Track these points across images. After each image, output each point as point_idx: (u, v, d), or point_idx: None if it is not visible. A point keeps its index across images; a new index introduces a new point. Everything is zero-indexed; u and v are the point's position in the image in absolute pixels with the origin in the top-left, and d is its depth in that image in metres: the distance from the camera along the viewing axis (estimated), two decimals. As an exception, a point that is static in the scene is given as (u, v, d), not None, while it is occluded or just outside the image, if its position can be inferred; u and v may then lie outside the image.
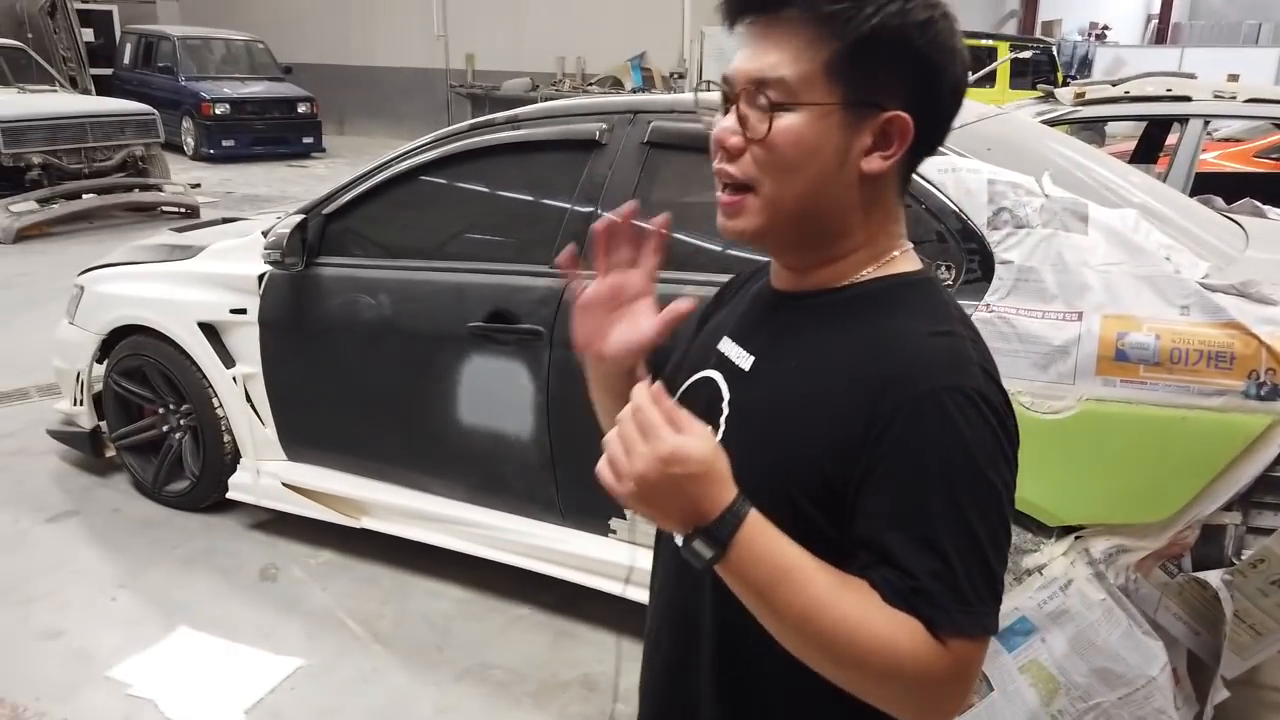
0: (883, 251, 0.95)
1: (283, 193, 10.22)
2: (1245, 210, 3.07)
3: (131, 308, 3.40)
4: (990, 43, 11.98)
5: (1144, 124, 5.41)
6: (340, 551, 3.22)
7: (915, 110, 0.89)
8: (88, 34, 13.42)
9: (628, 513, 2.44)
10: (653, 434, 0.78)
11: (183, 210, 8.81)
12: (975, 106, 2.90)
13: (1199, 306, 1.93)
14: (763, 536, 0.80)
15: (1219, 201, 3.21)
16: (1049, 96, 5.09)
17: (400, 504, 2.99)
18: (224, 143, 12.34)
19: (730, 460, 0.82)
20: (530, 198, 2.90)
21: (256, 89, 12.94)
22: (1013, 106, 5.01)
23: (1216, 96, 4.50)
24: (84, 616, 2.88)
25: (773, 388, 0.94)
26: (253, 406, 3.20)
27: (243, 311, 3.12)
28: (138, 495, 3.58)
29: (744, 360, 0.98)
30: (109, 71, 13.70)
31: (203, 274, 3.26)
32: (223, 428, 3.28)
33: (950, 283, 2.14)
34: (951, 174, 2.15)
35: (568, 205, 2.64)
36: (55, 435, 3.81)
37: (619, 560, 2.58)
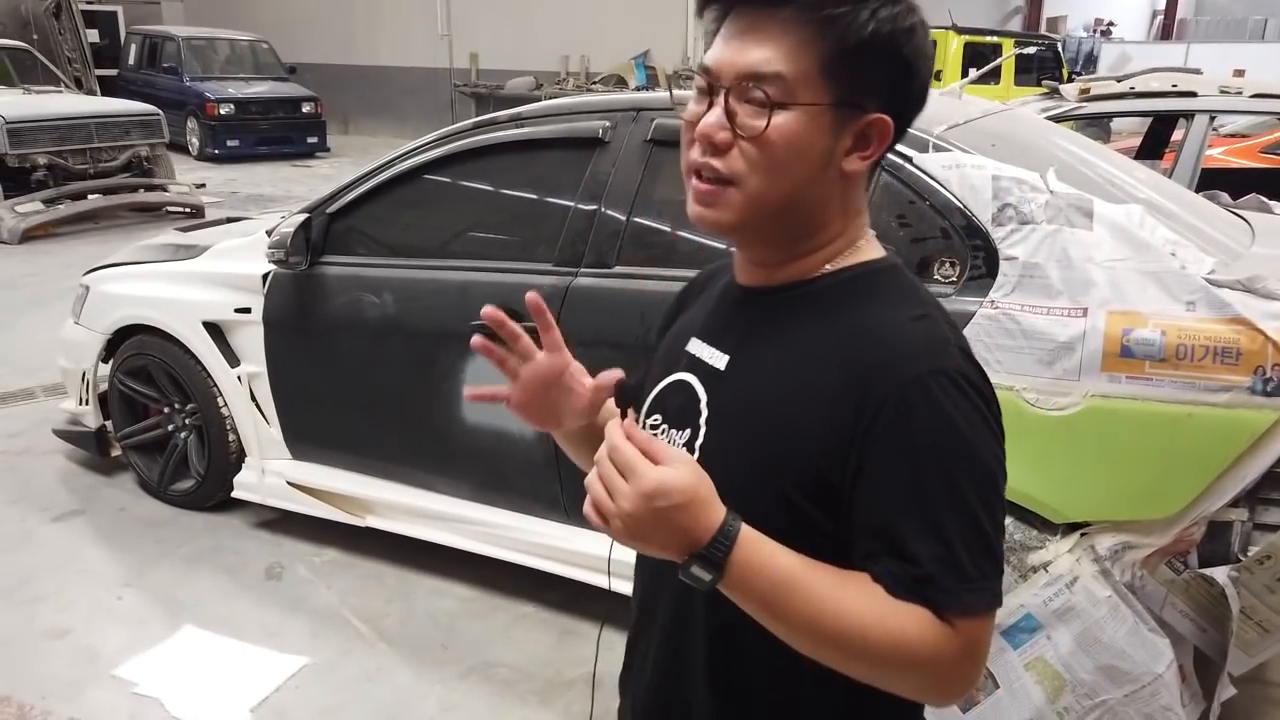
0: (850, 242, 0.96)
1: (287, 192, 10.24)
2: (1251, 206, 3.06)
3: (136, 307, 3.41)
4: (995, 39, 11.95)
5: (1149, 120, 5.39)
6: (345, 550, 3.22)
7: (891, 112, 0.90)
8: (93, 35, 13.48)
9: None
10: (632, 472, 0.77)
11: (187, 210, 8.83)
12: (980, 103, 2.89)
13: (1205, 302, 1.92)
14: (758, 550, 0.80)
15: (1225, 197, 3.20)
16: (1054, 93, 5.08)
17: (405, 502, 2.99)
18: (229, 143, 12.37)
19: (716, 462, 0.82)
20: (534, 196, 2.90)
21: (261, 89, 12.97)
22: (1017, 103, 5.00)
23: (1222, 92, 4.48)
24: (90, 615, 2.88)
25: (752, 385, 0.93)
26: (257, 405, 3.21)
27: (247, 311, 3.12)
28: (143, 494, 3.59)
29: (718, 360, 0.97)
30: (114, 72, 13.76)
31: (207, 273, 3.27)
32: (228, 427, 3.29)
33: (955, 279, 2.13)
34: (956, 170, 2.15)
35: (571, 203, 2.64)
36: (61, 435, 3.82)
37: (623, 558, 2.57)
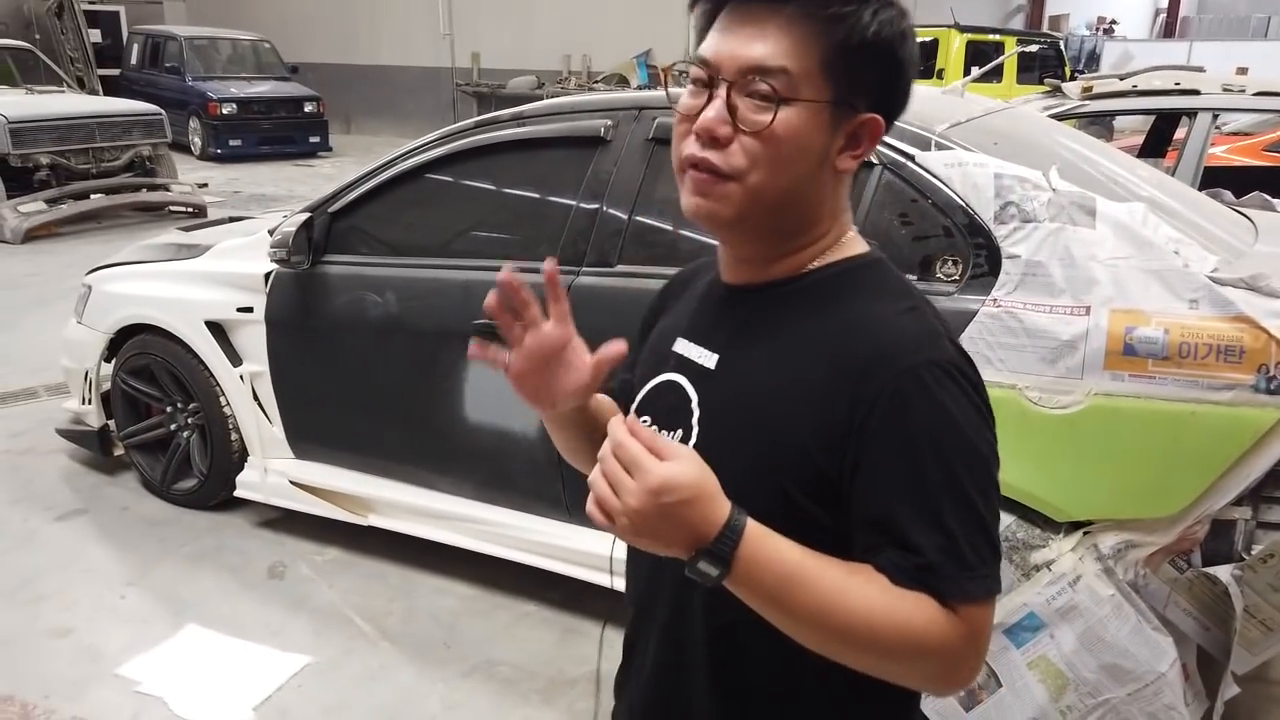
0: (836, 238, 0.96)
1: (289, 192, 10.25)
2: (1254, 204, 3.05)
3: (139, 307, 3.41)
4: (997, 37, 11.93)
5: (1152, 118, 5.38)
6: (347, 549, 3.23)
7: (879, 112, 0.91)
8: (95, 35, 13.52)
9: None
10: (638, 468, 0.77)
11: (190, 210, 8.84)
12: (982, 101, 2.89)
13: (1208, 300, 1.92)
14: (764, 544, 0.80)
15: (1228, 195, 3.19)
16: (1056, 91, 5.07)
17: (407, 501, 2.99)
18: (231, 142, 12.38)
19: (711, 461, 0.81)
20: (535, 195, 2.90)
21: (263, 88, 12.97)
22: (1020, 101, 4.99)
23: (1225, 90, 4.48)
24: (93, 614, 2.89)
25: (744, 383, 0.93)
26: (260, 405, 3.21)
27: (249, 310, 3.13)
28: (146, 493, 3.59)
29: (707, 359, 0.97)
30: (116, 72, 13.77)
31: (210, 273, 3.27)
32: (230, 426, 3.29)
33: (957, 278, 2.13)
34: (958, 168, 2.14)
35: (573, 202, 2.63)
36: (64, 434, 3.82)
37: (625, 558, 2.57)
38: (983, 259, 2.09)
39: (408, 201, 3.01)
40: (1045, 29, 18.28)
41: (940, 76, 10.53)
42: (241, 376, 3.18)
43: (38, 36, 12.52)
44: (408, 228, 3.06)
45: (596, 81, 13.41)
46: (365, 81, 15.75)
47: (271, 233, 3.07)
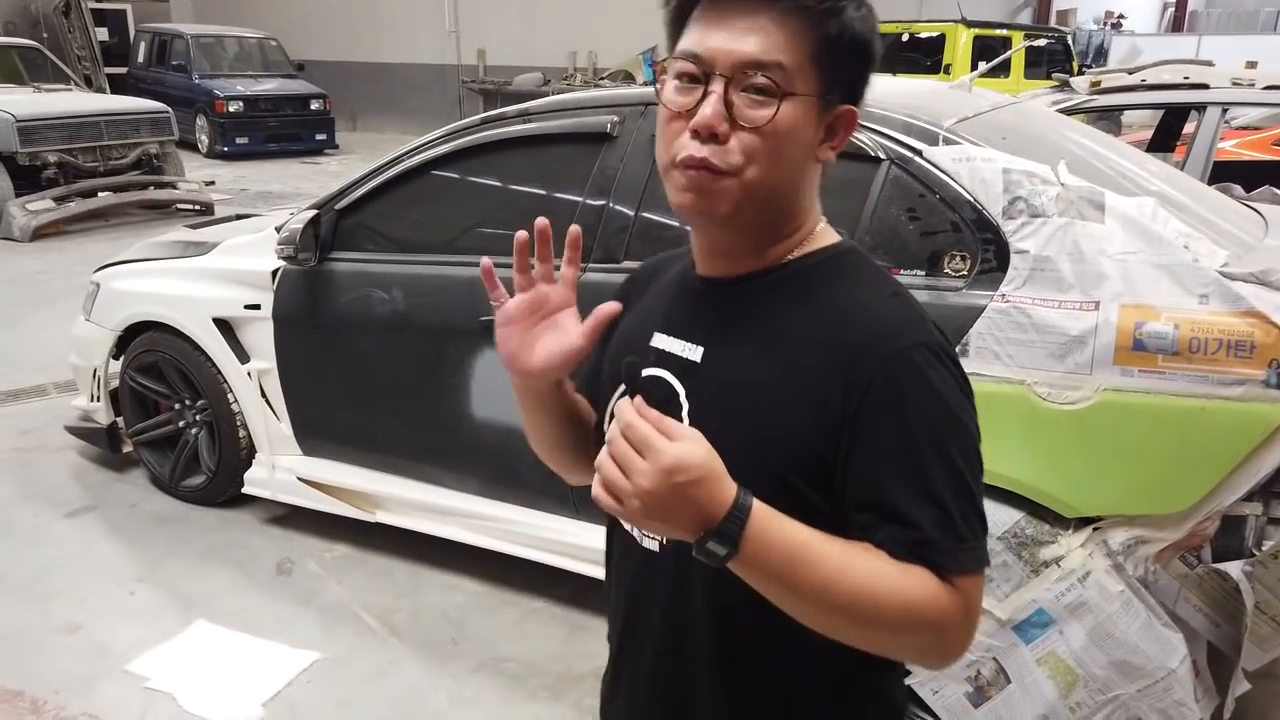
0: (810, 229, 0.98)
1: (296, 189, 10.26)
2: (1264, 198, 3.05)
3: (147, 304, 3.42)
4: (1004, 32, 11.88)
5: (1161, 113, 5.36)
6: (355, 545, 3.23)
7: (850, 104, 0.94)
8: (102, 33, 13.53)
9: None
10: (650, 448, 0.77)
11: (197, 207, 8.86)
12: (990, 96, 2.88)
13: (1218, 295, 1.91)
14: (770, 523, 0.81)
15: (1238, 189, 3.17)
16: (1064, 86, 5.05)
17: (414, 498, 3.00)
18: (238, 140, 12.39)
19: None
20: (542, 191, 2.90)
21: (269, 86, 12.98)
22: (1027, 96, 4.97)
23: (1235, 84, 4.46)
24: (102, 610, 2.90)
25: (734, 373, 0.94)
26: (267, 401, 3.22)
27: (257, 307, 3.13)
28: (155, 490, 3.61)
29: (691, 352, 0.98)
30: (123, 70, 13.78)
31: (217, 270, 3.28)
32: (238, 423, 3.30)
33: (965, 273, 2.12)
34: (966, 163, 2.13)
35: (579, 198, 2.63)
36: (73, 431, 3.83)
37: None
38: (991, 254, 2.09)
39: (414, 198, 3.01)
40: (1053, 24, 18.22)
41: (947, 71, 10.49)
42: (249, 373, 3.19)
43: (45, 35, 12.55)
44: (414, 224, 3.06)
45: (602, 78, 13.40)
46: (371, 79, 15.76)
47: (279, 230, 3.07)
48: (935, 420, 0.87)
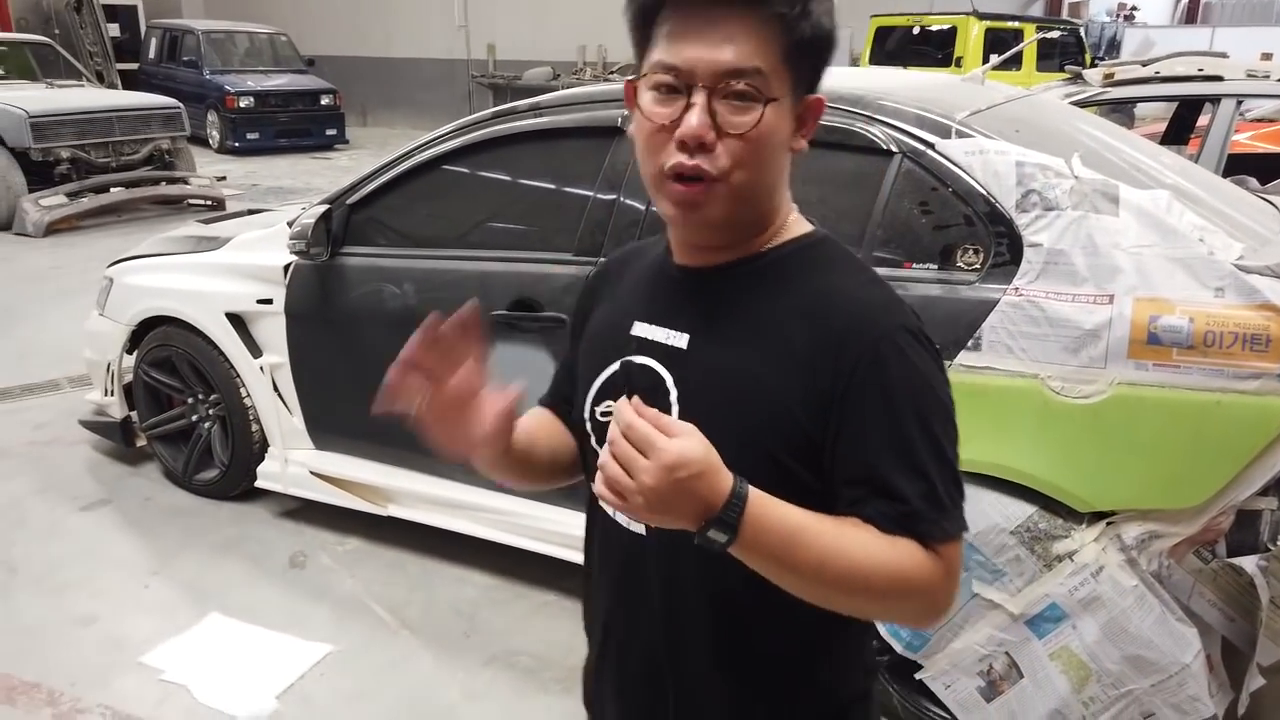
0: (784, 218, 1.02)
1: (307, 184, 10.29)
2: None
3: (160, 299, 3.43)
4: (1016, 25, 11.81)
5: (1175, 105, 5.32)
6: (367, 539, 3.25)
7: (814, 92, 0.97)
8: (113, 29, 13.59)
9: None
10: (651, 446, 0.81)
11: (209, 202, 8.89)
12: (1002, 88, 2.86)
13: (1233, 288, 1.89)
14: (766, 508, 0.85)
15: (1253, 182, 3.16)
16: (1077, 78, 5.02)
17: (426, 491, 3.01)
18: (248, 135, 12.43)
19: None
20: (552, 185, 2.90)
21: (280, 82, 13.01)
22: (1040, 89, 4.94)
23: (1250, 76, 4.42)
24: (117, 603, 2.92)
25: (722, 358, 0.97)
26: (280, 396, 3.23)
27: (269, 302, 3.14)
28: (168, 484, 3.63)
29: (677, 339, 1.00)
30: (134, 66, 13.84)
31: (229, 265, 3.29)
32: (251, 417, 3.31)
33: (978, 267, 2.12)
34: (979, 156, 2.12)
35: (590, 193, 2.63)
36: (87, 425, 3.86)
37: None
38: (1004, 247, 2.08)
39: (425, 193, 3.02)
40: (1065, 15, 18.09)
41: (959, 65, 10.44)
42: (261, 368, 3.20)
43: (57, 31, 12.60)
44: (425, 219, 3.07)
45: (612, 72, 13.37)
46: (381, 74, 15.78)
47: (290, 225, 3.08)
48: (918, 398, 0.92)
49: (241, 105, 12.34)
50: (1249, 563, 1.94)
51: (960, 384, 2.07)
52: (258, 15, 14.91)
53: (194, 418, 3.50)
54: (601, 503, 0.86)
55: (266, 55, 13.64)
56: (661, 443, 0.80)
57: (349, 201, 3.02)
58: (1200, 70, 4.47)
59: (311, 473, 3.21)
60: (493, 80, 14.65)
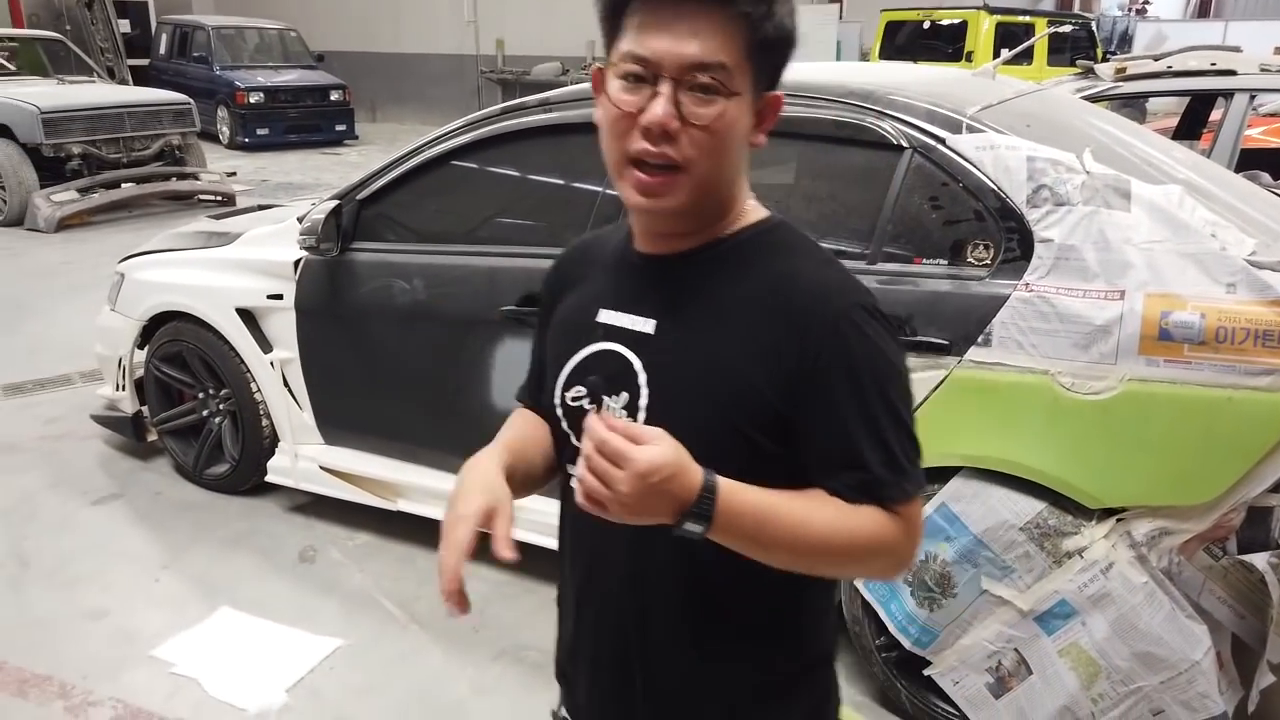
0: (742, 205, 1.06)
1: (317, 180, 10.31)
2: (1293, 186, 3.00)
3: (171, 294, 3.45)
4: (1027, 19, 11.75)
5: (1187, 100, 5.28)
6: (377, 533, 3.26)
7: (774, 89, 1.01)
8: (124, 25, 13.62)
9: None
10: (624, 458, 0.85)
11: (219, 198, 8.91)
12: (1013, 83, 2.85)
13: (1246, 284, 1.89)
14: (735, 495, 0.91)
15: (1265, 177, 3.14)
16: (1089, 73, 5.00)
17: (436, 486, 3.01)
18: (258, 131, 12.46)
19: (669, 414, 0.96)
20: (562, 181, 2.90)
21: (290, 77, 13.04)
22: (1052, 83, 4.91)
23: (1263, 70, 4.39)
24: (128, 597, 2.94)
25: (689, 341, 1.01)
26: (290, 391, 3.24)
27: (279, 297, 3.15)
28: (179, 478, 3.65)
29: (643, 325, 1.04)
30: (145, 62, 13.88)
31: (240, 260, 3.30)
32: (261, 412, 3.32)
33: (989, 262, 2.11)
34: (990, 151, 2.12)
35: (599, 188, 2.63)
36: (99, 420, 3.88)
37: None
38: (1015, 243, 2.07)
39: (435, 189, 3.02)
40: (1076, 10, 18.00)
41: (969, 59, 10.40)
42: (272, 363, 3.22)
43: (68, 27, 12.65)
44: (435, 215, 3.07)
45: (621, 67, 13.34)
46: (390, 69, 15.79)
47: (300, 220, 3.09)
48: (878, 372, 0.97)
49: (251, 101, 12.37)
50: (1260, 560, 1.93)
51: (970, 379, 2.08)
52: (268, 11, 14.93)
53: (204, 413, 3.51)
54: (580, 502, 0.90)
55: (276, 51, 13.67)
56: (633, 453, 0.85)
57: (359, 197, 3.03)
58: (1213, 65, 4.45)
59: (321, 468, 3.22)
60: (502, 76, 14.66)
